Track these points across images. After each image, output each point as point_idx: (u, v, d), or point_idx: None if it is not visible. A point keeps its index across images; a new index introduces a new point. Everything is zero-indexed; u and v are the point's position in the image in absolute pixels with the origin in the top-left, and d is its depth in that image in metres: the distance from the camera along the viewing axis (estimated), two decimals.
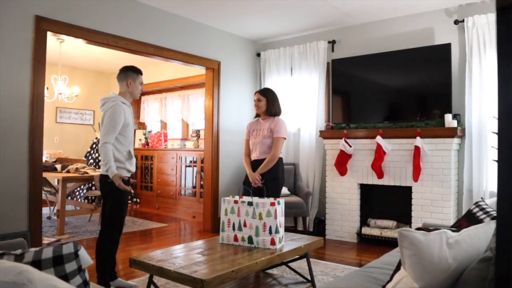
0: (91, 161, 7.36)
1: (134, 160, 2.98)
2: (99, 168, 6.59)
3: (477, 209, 1.99)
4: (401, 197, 4.41)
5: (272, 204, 2.53)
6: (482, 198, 3.72)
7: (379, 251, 4.09)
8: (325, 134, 4.83)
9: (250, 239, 2.56)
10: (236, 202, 2.64)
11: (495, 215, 1.85)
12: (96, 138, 7.55)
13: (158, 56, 4.56)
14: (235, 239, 2.61)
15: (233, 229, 2.62)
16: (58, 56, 6.02)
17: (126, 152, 2.88)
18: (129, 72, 3.02)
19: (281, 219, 2.59)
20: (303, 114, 5.21)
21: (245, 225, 2.59)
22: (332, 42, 5.11)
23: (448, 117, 4.03)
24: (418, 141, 4.06)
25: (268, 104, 3.55)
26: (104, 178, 2.84)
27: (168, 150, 7.09)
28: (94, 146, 7.54)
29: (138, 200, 7.49)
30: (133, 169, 2.95)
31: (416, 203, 4.21)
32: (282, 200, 2.65)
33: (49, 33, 3.59)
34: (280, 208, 2.58)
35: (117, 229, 2.89)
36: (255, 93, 3.66)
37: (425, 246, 1.20)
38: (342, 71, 4.88)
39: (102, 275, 2.84)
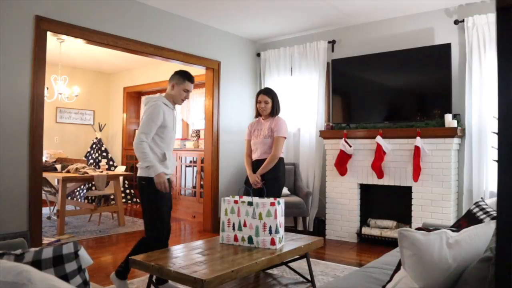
0: (91, 161, 7.37)
1: (171, 162, 2.91)
2: (99, 168, 6.59)
3: (477, 209, 1.99)
4: (401, 197, 4.41)
5: (272, 204, 2.53)
6: (482, 198, 3.72)
7: (379, 251, 4.09)
8: (325, 134, 4.83)
9: (250, 239, 2.56)
10: (236, 202, 2.64)
11: (495, 215, 1.85)
12: (96, 138, 7.56)
13: (158, 56, 4.56)
14: (235, 239, 2.61)
15: (233, 229, 2.62)
16: (58, 56, 6.02)
17: (161, 154, 2.82)
18: (176, 76, 3.00)
19: (281, 219, 2.59)
20: (303, 114, 5.21)
21: (245, 225, 2.59)
22: (332, 42, 5.11)
23: (448, 117, 4.03)
24: (418, 141, 4.06)
25: (274, 105, 3.55)
26: (138, 180, 2.82)
27: None
28: (94, 146, 7.54)
29: (138, 200, 7.49)
30: (169, 171, 2.87)
31: (416, 203, 4.21)
32: (282, 200, 2.65)
33: (49, 33, 3.59)
34: (280, 208, 2.58)
35: (161, 229, 2.80)
36: (260, 94, 3.58)
37: (425, 246, 1.20)
38: (342, 71, 4.88)
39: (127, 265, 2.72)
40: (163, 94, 3.01)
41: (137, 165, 2.88)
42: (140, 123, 2.86)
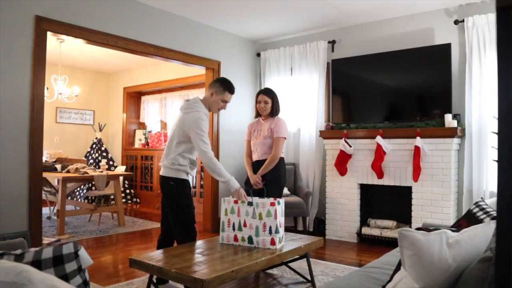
0: (91, 161, 7.37)
1: (196, 167, 2.96)
2: (99, 168, 6.59)
3: (477, 209, 1.99)
4: (401, 197, 4.41)
5: (272, 204, 2.53)
6: (482, 198, 3.72)
7: (379, 251, 4.09)
8: (325, 134, 4.83)
9: (250, 239, 2.56)
10: (236, 202, 2.64)
11: (495, 215, 1.85)
12: (96, 138, 7.56)
13: (158, 56, 4.56)
14: (235, 239, 2.61)
15: (233, 229, 2.62)
16: (58, 56, 6.02)
17: (190, 160, 2.85)
18: (217, 84, 2.91)
19: (281, 219, 2.59)
20: (303, 114, 5.21)
21: (245, 225, 2.59)
22: (332, 42, 5.11)
23: (448, 117, 4.03)
24: (418, 141, 4.06)
25: (273, 105, 3.54)
26: (165, 180, 2.81)
27: None
28: (94, 146, 7.54)
29: (138, 200, 7.49)
30: (193, 173, 2.94)
31: (416, 203, 4.21)
32: (282, 200, 2.65)
33: (49, 33, 3.59)
34: (280, 208, 2.58)
35: (192, 227, 2.84)
36: (259, 94, 3.57)
37: (425, 246, 1.20)
38: (342, 71, 4.88)
39: None
40: (201, 96, 2.94)
41: (161, 164, 2.88)
42: (181, 128, 2.78)
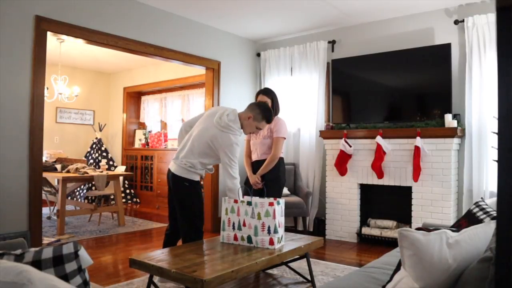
0: (91, 161, 7.37)
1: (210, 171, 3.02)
2: (99, 168, 6.59)
3: (477, 209, 1.99)
4: (401, 197, 4.41)
5: (271, 204, 2.52)
6: (482, 198, 3.72)
7: (379, 251, 4.09)
8: (325, 134, 4.83)
9: (249, 239, 2.56)
10: (236, 201, 2.64)
11: (495, 215, 1.85)
12: (96, 138, 7.56)
13: (158, 56, 4.56)
14: (235, 238, 2.61)
15: (233, 228, 2.63)
16: (58, 56, 6.02)
17: (204, 165, 2.86)
18: (257, 111, 2.89)
19: (280, 219, 2.59)
20: (303, 114, 5.21)
21: (244, 225, 2.59)
22: (332, 42, 5.11)
23: (448, 117, 4.03)
24: (418, 141, 4.06)
25: (273, 105, 3.54)
26: (179, 179, 2.82)
27: (168, 150, 7.09)
28: (94, 146, 7.55)
29: (138, 200, 7.49)
30: (204, 174, 2.96)
31: (416, 203, 4.21)
32: (282, 200, 2.65)
33: (49, 33, 3.59)
34: (279, 208, 2.57)
35: (200, 228, 2.89)
36: (259, 94, 3.57)
37: (425, 246, 1.20)
38: (342, 71, 4.88)
39: None
40: (237, 113, 2.89)
41: (175, 161, 2.88)
42: (211, 141, 2.75)
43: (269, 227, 2.51)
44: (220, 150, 2.73)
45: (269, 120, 2.94)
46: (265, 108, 2.95)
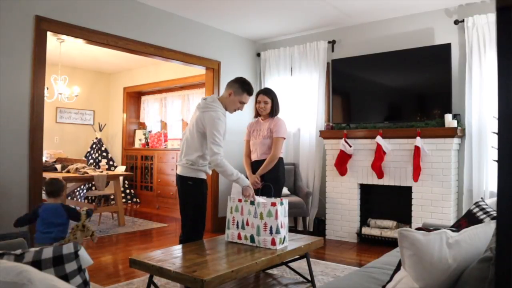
0: (91, 161, 7.37)
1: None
2: (99, 168, 6.59)
3: (477, 209, 1.99)
4: (401, 197, 4.41)
5: (273, 204, 2.52)
6: (482, 198, 3.72)
7: (379, 251, 4.09)
8: (325, 134, 4.83)
9: (252, 238, 2.57)
10: (240, 200, 2.66)
11: (495, 215, 1.85)
12: (96, 138, 7.56)
13: (158, 56, 4.56)
14: (239, 237, 2.63)
15: (237, 227, 2.64)
16: (58, 56, 6.02)
17: (204, 158, 2.84)
18: (236, 85, 2.89)
19: (283, 219, 2.58)
20: (303, 114, 5.21)
21: (247, 224, 2.59)
22: (332, 42, 5.11)
23: (448, 117, 4.03)
24: (418, 141, 4.06)
25: (273, 105, 3.54)
26: (183, 179, 2.83)
27: (168, 150, 7.09)
28: (94, 146, 7.54)
29: (138, 200, 7.49)
30: (210, 172, 2.94)
31: (416, 203, 4.21)
32: (285, 201, 2.65)
33: (49, 33, 3.59)
34: (282, 209, 2.57)
35: (202, 227, 2.89)
36: (259, 94, 3.56)
37: (425, 246, 1.20)
38: (342, 71, 4.88)
39: None
40: (217, 96, 2.92)
41: (179, 163, 2.88)
42: (199, 129, 2.77)
43: (271, 227, 2.51)
44: (206, 129, 2.74)
45: (250, 92, 2.92)
46: (243, 81, 2.94)
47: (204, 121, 2.74)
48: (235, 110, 2.96)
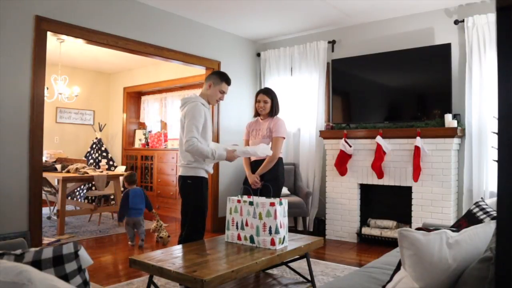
0: (91, 161, 7.36)
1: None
2: (99, 168, 6.59)
3: (477, 209, 1.99)
4: (401, 197, 4.41)
5: (272, 204, 2.52)
6: (482, 198, 3.72)
7: (379, 251, 4.09)
8: (325, 134, 4.83)
9: (251, 239, 2.57)
10: (239, 201, 2.66)
11: (495, 215, 1.85)
12: (96, 138, 7.56)
13: (158, 56, 4.56)
14: (239, 237, 2.64)
15: (237, 228, 2.64)
16: (58, 56, 6.02)
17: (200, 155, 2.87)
18: (214, 76, 3.01)
19: (283, 219, 2.58)
20: (303, 114, 5.21)
21: (246, 225, 2.60)
22: (332, 42, 5.11)
23: (448, 117, 4.03)
24: (418, 141, 4.06)
25: (273, 105, 3.54)
26: (183, 179, 2.87)
27: (168, 150, 7.09)
28: (94, 146, 7.54)
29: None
30: (211, 170, 2.97)
31: (416, 203, 4.21)
32: (285, 201, 2.65)
33: (49, 33, 3.59)
34: (281, 209, 2.57)
35: (202, 225, 2.91)
36: (259, 93, 3.56)
37: (425, 246, 1.20)
38: (342, 71, 4.88)
39: None
40: (198, 93, 3.02)
41: (179, 165, 2.94)
42: (183, 126, 2.85)
43: (270, 228, 2.51)
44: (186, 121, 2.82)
45: (228, 81, 3.03)
46: (219, 71, 3.09)
47: (186, 113, 2.83)
48: (217, 102, 3.05)
